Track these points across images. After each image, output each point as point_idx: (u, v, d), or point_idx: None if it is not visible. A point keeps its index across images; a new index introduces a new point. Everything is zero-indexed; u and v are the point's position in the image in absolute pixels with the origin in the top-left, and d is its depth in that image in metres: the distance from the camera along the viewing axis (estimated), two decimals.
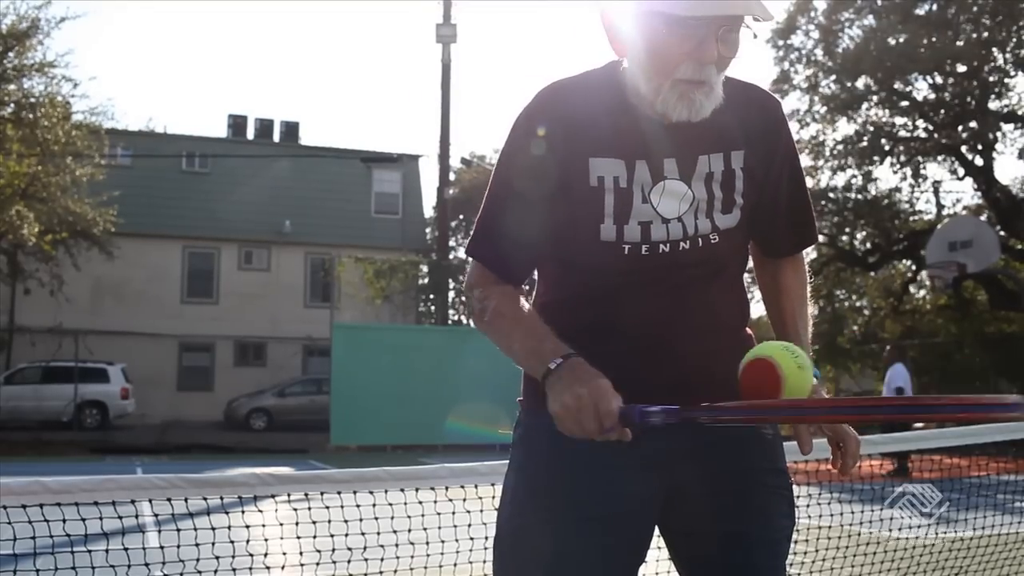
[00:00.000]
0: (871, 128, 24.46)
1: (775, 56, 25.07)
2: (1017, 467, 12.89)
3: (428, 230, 32.83)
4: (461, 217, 34.78)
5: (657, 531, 1.77)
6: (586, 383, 1.51)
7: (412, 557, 3.14)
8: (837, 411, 1.59)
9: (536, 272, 1.84)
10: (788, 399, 1.49)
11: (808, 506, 4.82)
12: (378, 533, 3.09)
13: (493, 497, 1.86)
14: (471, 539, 3.06)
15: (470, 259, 1.81)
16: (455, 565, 3.19)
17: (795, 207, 1.84)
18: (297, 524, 3.12)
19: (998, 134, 23.67)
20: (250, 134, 32.83)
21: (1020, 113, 23.40)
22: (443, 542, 3.20)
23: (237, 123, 32.92)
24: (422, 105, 73.77)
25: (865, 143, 24.25)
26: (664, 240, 1.66)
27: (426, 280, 28.47)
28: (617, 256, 1.67)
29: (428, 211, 33.02)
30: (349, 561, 3.08)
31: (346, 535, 3.02)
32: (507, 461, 1.83)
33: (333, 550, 3.01)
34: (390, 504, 3.03)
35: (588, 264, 1.71)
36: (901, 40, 22.53)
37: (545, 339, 1.64)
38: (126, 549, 2.89)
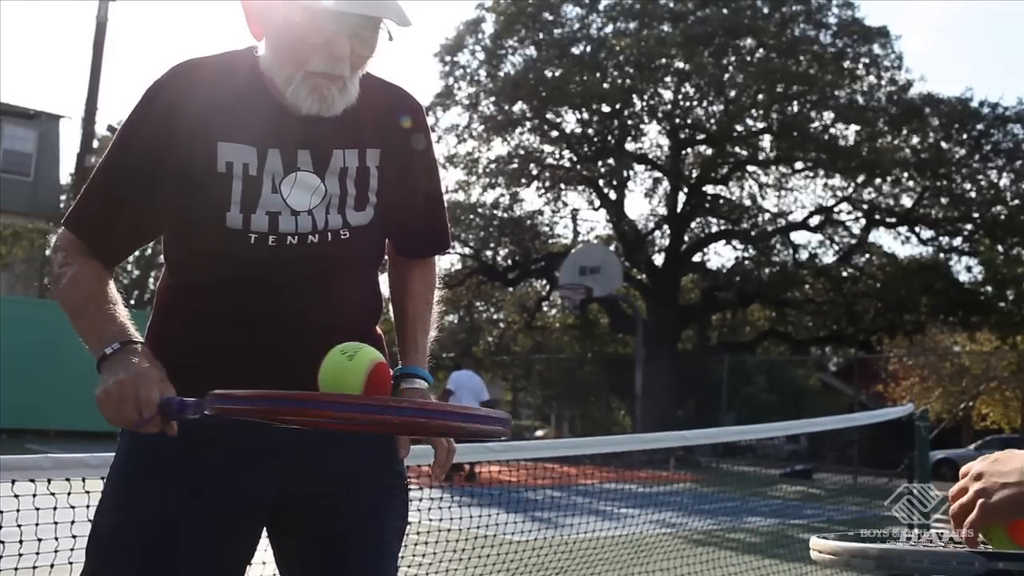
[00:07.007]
0: (522, 152, 25.93)
1: (441, 71, 25.89)
2: (618, 476, 14.18)
3: (64, 197, 30.19)
4: None
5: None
6: (132, 370, 1.44)
7: (0, 557, 2.83)
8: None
9: (163, 257, 1.74)
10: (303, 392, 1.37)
11: (430, 509, 4.96)
12: None
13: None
14: (73, 537, 2.81)
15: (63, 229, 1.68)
16: (52, 566, 2.93)
17: (429, 212, 1.86)
18: None
19: (631, 172, 26.02)
20: None
21: (650, 156, 25.86)
22: (40, 540, 2.92)
23: None
24: (71, 63, 68.02)
25: (515, 165, 25.67)
26: (292, 232, 1.62)
27: None
28: (243, 244, 1.60)
29: (66, 177, 30.40)
30: None
31: None
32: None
33: None
34: None
35: (212, 251, 1.63)
36: (557, 74, 24.10)
37: (112, 322, 1.55)
38: None
